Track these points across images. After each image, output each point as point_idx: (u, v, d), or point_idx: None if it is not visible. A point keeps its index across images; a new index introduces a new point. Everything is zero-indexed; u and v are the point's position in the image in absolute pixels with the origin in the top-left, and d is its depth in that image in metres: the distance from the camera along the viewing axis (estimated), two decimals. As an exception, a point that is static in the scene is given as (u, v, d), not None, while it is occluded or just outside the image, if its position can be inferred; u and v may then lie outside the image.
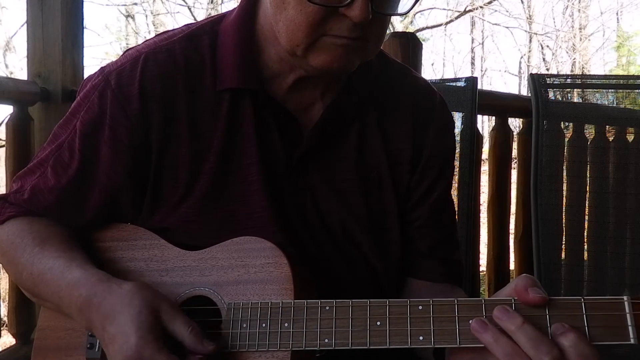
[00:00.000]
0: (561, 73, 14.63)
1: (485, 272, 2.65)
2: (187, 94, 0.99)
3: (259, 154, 1.00)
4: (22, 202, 1.06)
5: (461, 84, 2.31)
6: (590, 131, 2.35)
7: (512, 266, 2.65)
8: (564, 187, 2.31)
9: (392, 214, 1.08)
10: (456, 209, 2.17)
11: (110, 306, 0.89)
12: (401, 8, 0.93)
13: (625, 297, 0.79)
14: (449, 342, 0.82)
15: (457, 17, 15.73)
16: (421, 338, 0.83)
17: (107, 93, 0.98)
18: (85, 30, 2.52)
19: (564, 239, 2.30)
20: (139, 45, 1.06)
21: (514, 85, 20.04)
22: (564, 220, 2.30)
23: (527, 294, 0.79)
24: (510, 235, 2.62)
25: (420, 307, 0.84)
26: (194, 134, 1.00)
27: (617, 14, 17.58)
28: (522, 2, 16.97)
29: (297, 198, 1.03)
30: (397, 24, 13.35)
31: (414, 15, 15.28)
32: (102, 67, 1.02)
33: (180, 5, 15.22)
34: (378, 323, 0.85)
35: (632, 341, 0.77)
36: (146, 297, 0.89)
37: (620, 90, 2.43)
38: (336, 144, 1.06)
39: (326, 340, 0.86)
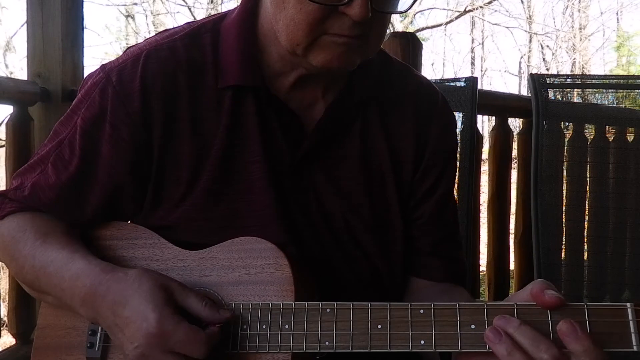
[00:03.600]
0: (561, 73, 14.63)
1: (485, 272, 2.65)
2: (188, 91, 0.99)
3: (262, 152, 1.00)
4: (23, 199, 1.05)
5: (461, 84, 2.31)
6: (590, 131, 2.36)
7: (512, 266, 2.65)
8: (564, 187, 2.31)
9: (396, 213, 1.08)
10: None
11: (119, 292, 0.89)
12: (401, 6, 0.93)
13: (628, 304, 0.78)
14: (451, 346, 0.82)
15: (457, 17, 15.73)
16: (422, 342, 0.83)
17: (108, 90, 0.98)
18: (85, 30, 2.52)
19: (564, 239, 2.30)
20: (140, 43, 1.06)
21: (514, 85, 20.08)
22: (564, 220, 2.30)
23: (543, 295, 0.80)
24: (510, 235, 2.63)
25: (421, 311, 0.84)
26: (195, 131, 1.00)
27: (617, 14, 17.60)
28: (522, 2, 16.98)
29: (300, 196, 1.03)
30: (397, 24, 13.35)
31: (414, 15, 15.29)
32: (103, 65, 1.02)
33: (180, 5, 15.24)
34: (379, 326, 0.85)
35: (634, 348, 0.77)
36: (154, 278, 0.90)
37: (620, 90, 2.43)
38: (339, 143, 1.06)
39: (327, 343, 0.86)
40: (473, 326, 0.82)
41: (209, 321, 0.88)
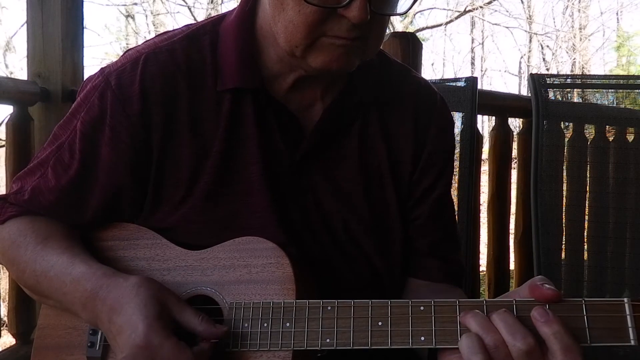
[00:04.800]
0: (561, 73, 14.64)
1: (485, 272, 2.65)
2: (188, 93, 0.99)
3: (260, 154, 1.01)
4: (23, 203, 1.05)
5: (461, 84, 2.31)
6: (590, 131, 2.35)
7: (512, 266, 2.65)
8: (564, 187, 2.31)
9: (394, 213, 1.09)
10: (456, 209, 2.18)
11: (117, 298, 0.89)
12: (400, 8, 0.93)
13: (625, 299, 0.79)
14: (450, 342, 0.82)
15: (457, 17, 15.74)
16: (422, 338, 0.83)
17: (107, 93, 0.98)
18: (85, 30, 2.52)
19: (564, 239, 2.30)
20: (139, 45, 1.06)
21: (514, 85, 20.09)
22: (564, 220, 2.30)
23: (542, 288, 0.80)
24: (510, 235, 2.62)
25: (421, 308, 0.84)
26: (195, 133, 1.00)
27: (617, 14, 17.62)
28: (522, 2, 16.99)
29: (299, 198, 1.04)
30: (397, 24, 13.35)
31: (414, 15, 15.30)
32: (102, 68, 1.03)
33: (180, 5, 15.22)
34: (380, 323, 0.85)
35: (632, 343, 0.77)
36: (152, 289, 0.90)
37: (620, 90, 2.43)
38: (338, 144, 1.06)
39: (328, 340, 0.86)
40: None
41: (204, 336, 0.88)
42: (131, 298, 0.88)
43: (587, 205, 2.32)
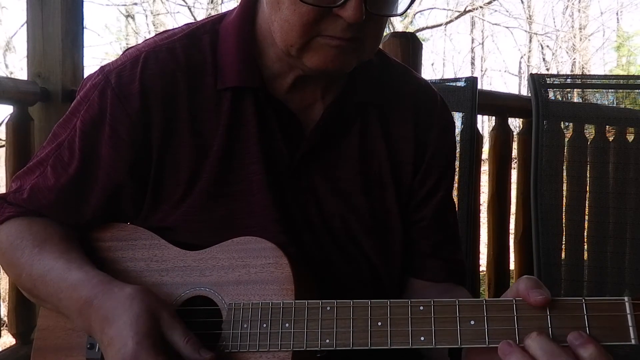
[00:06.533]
0: (561, 73, 14.64)
1: (485, 272, 2.65)
2: (187, 92, 0.99)
3: (261, 153, 1.00)
4: (22, 202, 1.05)
5: (461, 84, 2.31)
6: (590, 131, 2.35)
7: (512, 266, 2.65)
8: (564, 187, 2.31)
9: (394, 214, 1.08)
10: (456, 209, 2.18)
11: (110, 309, 0.88)
12: (397, 9, 0.93)
13: (626, 298, 0.78)
14: (451, 342, 0.82)
15: (457, 17, 15.74)
16: (422, 339, 0.83)
17: (107, 92, 0.98)
18: (85, 30, 2.52)
19: (564, 239, 2.29)
20: (139, 44, 1.06)
21: (514, 85, 20.09)
22: (564, 220, 2.30)
23: (528, 297, 0.79)
24: (510, 235, 2.62)
25: (421, 308, 0.84)
26: (195, 132, 1.00)
27: (617, 14, 17.61)
28: (522, 2, 16.99)
29: (299, 198, 1.03)
30: (397, 24, 13.36)
31: (414, 15, 15.30)
32: (102, 66, 1.02)
33: (180, 5, 15.25)
34: (379, 323, 0.85)
35: (632, 342, 0.77)
36: (146, 302, 0.88)
37: (620, 90, 2.43)
38: (338, 144, 1.06)
39: (327, 341, 0.86)
40: (472, 322, 0.82)
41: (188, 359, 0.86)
42: (124, 310, 0.86)
43: (587, 205, 2.31)
